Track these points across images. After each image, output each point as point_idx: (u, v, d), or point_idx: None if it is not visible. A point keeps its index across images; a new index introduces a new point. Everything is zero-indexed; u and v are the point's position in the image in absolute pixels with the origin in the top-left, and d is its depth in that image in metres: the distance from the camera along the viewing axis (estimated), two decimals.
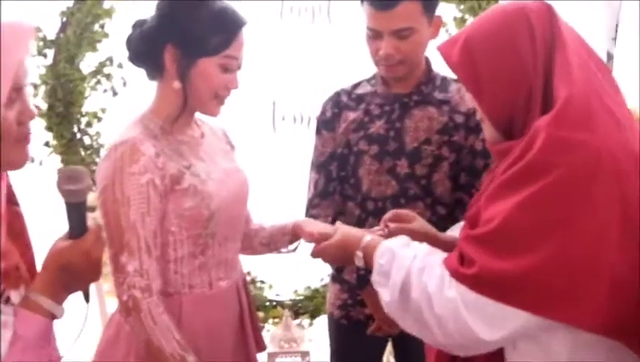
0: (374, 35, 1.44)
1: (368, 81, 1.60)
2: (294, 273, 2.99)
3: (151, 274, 1.06)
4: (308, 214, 1.62)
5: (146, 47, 1.14)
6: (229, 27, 1.14)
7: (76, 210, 0.85)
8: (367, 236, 1.10)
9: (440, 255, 1.01)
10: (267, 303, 2.80)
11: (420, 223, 1.22)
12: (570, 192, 0.85)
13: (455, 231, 1.28)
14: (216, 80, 1.15)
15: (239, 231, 1.28)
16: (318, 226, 1.30)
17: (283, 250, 1.39)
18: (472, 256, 0.90)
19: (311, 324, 2.80)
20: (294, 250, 1.37)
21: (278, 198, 2.86)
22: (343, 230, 1.18)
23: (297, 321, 2.77)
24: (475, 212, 0.98)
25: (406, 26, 1.40)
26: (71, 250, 0.83)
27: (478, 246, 0.90)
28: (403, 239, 1.05)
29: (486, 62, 0.98)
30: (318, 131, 1.63)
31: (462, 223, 1.29)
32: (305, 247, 2.51)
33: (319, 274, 2.78)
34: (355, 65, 2.67)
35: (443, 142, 1.50)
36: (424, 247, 1.04)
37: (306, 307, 2.82)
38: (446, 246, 1.20)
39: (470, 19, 2.49)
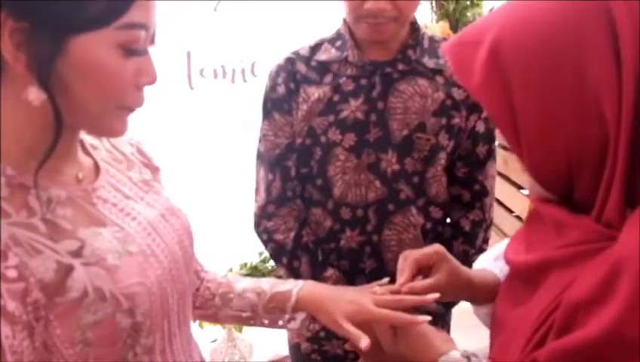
0: None
1: (331, 42, 1.17)
2: (227, 247, 2.63)
3: None
4: (261, 228, 1.22)
5: None
6: None
7: None
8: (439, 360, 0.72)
9: None
10: None
11: (449, 269, 0.84)
12: None
13: (481, 264, 0.93)
14: (114, 73, 0.63)
15: (189, 312, 0.82)
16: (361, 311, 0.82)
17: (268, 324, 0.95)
18: None
19: None
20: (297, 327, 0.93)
21: (197, 172, 2.42)
22: (410, 338, 0.77)
23: None
24: None
25: None
26: None
27: None
28: None
29: (528, 90, 0.58)
30: (268, 114, 1.19)
31: (486, 257, 0.94)
32: (233, 211, 2.13)
33: (256, 246, 2.40)
34: (292, 3, 2.22)
35: (441, 127, 1.13)
36: None
37: None
38: (482, 292, 0.87)
39: None
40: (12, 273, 0.58)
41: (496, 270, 0.88)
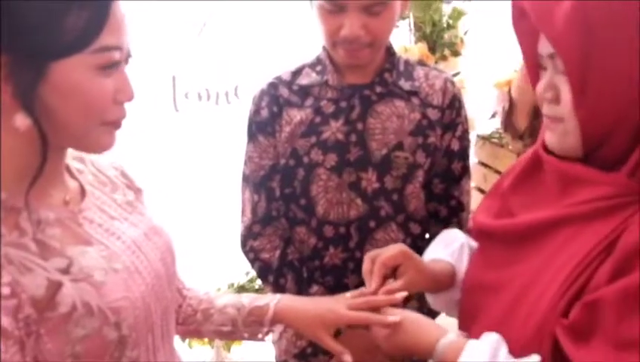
0: (334, 10, 1.06)
1: (312, 67, 1.22)
2: (213, 268, 2.65)
3: None
4: (247, 247, 1.25)
5: None
6: None
7: None
8: (440, 342, 0.77)
9: None
10: None
11: (415, 266, 0.89)
12: None
13: (433, 254, 0.99)
14: (94, 93, 0.68)
15: (172, 326, 0.86)
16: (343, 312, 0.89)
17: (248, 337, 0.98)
18: None
19: None
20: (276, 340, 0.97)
21: (184, 193, 2.45)
22: (406, 327, 0.82)
23: None
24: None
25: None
26: None
27: None
28: (491, 343, 0.74)
29: (611, 43, 0.66)
30: (253, 137, 1.24)
31: (435, 246, 1.02)
32: (220, 232, 2.16)
33: (243, 267, 2.43)
34: (272, 29, 2.29)
35: (417, 146, 1.18)
36: None
37: None
38: (444, 281, 0.94)
39: None
40: (5, 290, 0.62)
41: (448, 257, 0.95)
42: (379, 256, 0.90)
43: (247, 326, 0.93)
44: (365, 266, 0.91)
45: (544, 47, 0.74)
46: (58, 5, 0.63)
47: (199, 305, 0.95)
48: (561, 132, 0.75)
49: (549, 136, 0.78)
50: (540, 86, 0.76)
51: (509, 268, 0.79)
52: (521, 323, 0.73)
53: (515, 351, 0.73)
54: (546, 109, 0.77)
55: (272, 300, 0.94)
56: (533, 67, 0.79)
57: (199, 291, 0.99)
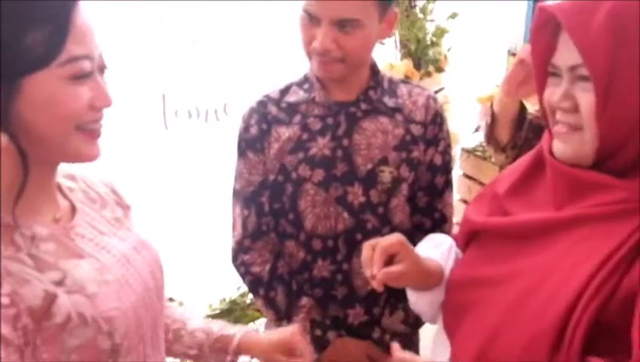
0: (310, 20, 1.11)
1: (299, 85, 1.27)
2: (205, 283, 2.66)
3: None
4: (239, 261, 1.28)
5: None
6: (50, 9, 0.66)
7: None
8: None
9: None
10: None
11: (411, 257, 0.91)
12: None
13: (423, 253, 1.01)
14: (69, 102, 0.69)
15: (162, 337, 0.89)
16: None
17: None
18: None
19: None
20: None
21: (173, 207, 2.48)
22: None
23: None
24: None
25: (351, 17, 1.09)
26: None
27: None
28: None
29: (634, 57, 0.69)
30: (242, 153, 1.27)
31: (426, 245, 1.05)
32: (211, 248, 2.17)
33: (234, 281, 2.45)
34: (260, 48, 2.34)
35: (402, 161, 1.23)
36: None
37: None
38: (435, 278, 0.96)
39: None
40: (5, 300, 0.65)
41: (438, 257, 0.98)
42: (379, 243, 0.91)
43: (212, 351, 0.97)
44: (365, 253, 0.92)
45: (564, 59, 0.76)
46: (17, 22, 0.65)
47: (172, 325, 0.98)
48: (578, 141, 0.76)
49: (561, 146, 0.79)
50: (553, 95, 0.78)
51: (508, 264, 0.81)
52: (532, 317, 0.74)
53: (522, 343, 0.74)
54: (560, 117, 0.78)
55: (239, 331, 0.99)
56: (542, 75, 0.81)
57: (176, 311, 1.02)
